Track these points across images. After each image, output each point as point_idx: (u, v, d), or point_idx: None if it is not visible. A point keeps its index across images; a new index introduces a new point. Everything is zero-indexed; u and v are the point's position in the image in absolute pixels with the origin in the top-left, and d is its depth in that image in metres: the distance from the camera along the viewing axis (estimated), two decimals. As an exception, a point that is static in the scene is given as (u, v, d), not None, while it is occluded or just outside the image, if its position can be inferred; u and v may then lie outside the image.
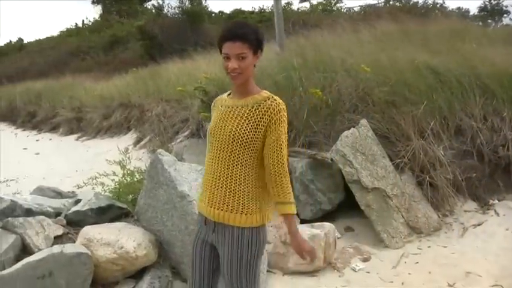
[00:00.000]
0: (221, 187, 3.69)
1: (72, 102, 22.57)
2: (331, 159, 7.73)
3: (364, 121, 8.11)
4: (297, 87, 9.11)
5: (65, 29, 55.43)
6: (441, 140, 8.44)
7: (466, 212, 8.04)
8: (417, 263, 6.83)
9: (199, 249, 3.90)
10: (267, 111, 3.58)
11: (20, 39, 62.72)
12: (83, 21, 53.31)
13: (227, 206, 3.67)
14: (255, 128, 3.59)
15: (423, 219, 7.69)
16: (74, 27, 53.97)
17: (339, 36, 13.91)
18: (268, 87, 9.05)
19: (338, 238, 7.25)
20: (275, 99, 3.63)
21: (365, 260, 6.92)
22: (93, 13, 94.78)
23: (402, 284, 6.29)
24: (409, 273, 6.54)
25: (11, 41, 62.82)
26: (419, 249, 7.23)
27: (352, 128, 7.92)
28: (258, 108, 3.60)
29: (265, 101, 3.61)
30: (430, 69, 9.47)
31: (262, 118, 3.58)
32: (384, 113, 8.64)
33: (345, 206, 8.08)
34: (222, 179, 3.68)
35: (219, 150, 3.68)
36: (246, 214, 3.66)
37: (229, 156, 3.64)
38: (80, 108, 21.57)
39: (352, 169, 7.53)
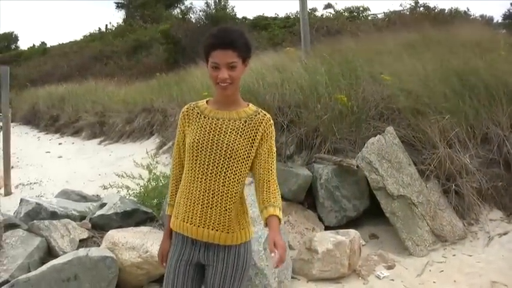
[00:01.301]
0: (216, 206, 3.45)
1: (95, 106, 22.62)
2: (357, 166, 7.70)
3: (390, 128, 8.08)
4: (323, 93, 9.09)
5: (88, 34, 55.70)
6: (467, 148, 8.37)
7: (491, 221, 7.95)
8: (442, 271, 6.78)
9: (182, 269, 3.58)
10: (260, 125, 3.49)
11: (43, 43, 63.23)
12: (106, 25, 53.56)
13: (223, 226, 3.46)
14: (251, 143, 3.47)
15: (448, 227, 7.63)
16: (97, 31, 54.22)
17: (364, 42, 13.86)
18: (294, 94, 9.16)
19: (362, 245, 7.21)
20: (265, 114, 3.56)
21: (389, 267, 6.87)
22: (117, 18, 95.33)
23: (427, 292, 6.24)
24: (434, 282, 6.49)
25: (34, 45, 63.27)
26: (444, 257, 7.18)
27: (378, 135, 7.89)
28: (251, 122, 3.49)
29: (256, 115, 3.52)
30: (456, 77, 9.41)
31: (257, 132, 3.48)
32: (410, 120, 8.60)
33: (369, 213, 8.04)
34: (216, 197, 3.44)
35: (213, 167, 3.45)
36: (241, 230, 3.54)
37: (225, 172, 3.43)
38: (102, 113, 21.61)
39: (377, 176, 7.50)
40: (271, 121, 3.54)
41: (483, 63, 9.94)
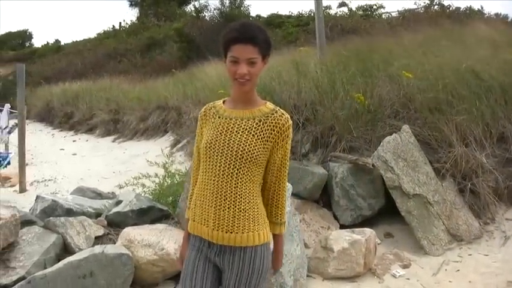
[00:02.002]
0: (228, 208, 3.36)
1: (109, 104, 22.69)
2: (372, 165, 7.69)
3: (406, 127, 8.05)
4: (339, 91, 9.07)
5: (102, 31, 55.71)
6: (483, 147, 8.34)
7: (507, 220, 7.91)
8: (458, 270, 6.76)
9: (202, 265, 3.49)
10: (276, 126, 3.36)
11: (57, 41, 63.36)
12: (120, 23, 53.51)
13: (237, 227, 3.36)
14: (264, 144, 3.35)
15: (464, 226, 7.60)
16: (111, 29, 54.22)
17: (379, 41, 13.81)
18: (309, 92, 9.14)
19: (378, 244, 7.19)
20: (283, 113, 3.42)
21: (405, 266, 6.86)
22: (130, 16, 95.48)
23: (443, 291, 6.22)
24: (450, 281, 6.47)
25: (48, 43, 63.46)
26: (460, 257, 7.15)
27: (394, 134, 7.87)
28: (266, 122, 3.37)
29: (273, 114, 3.39)
30: (473, 75, 9.37)
31: (272, 133, 3.36)
32: (426, 119, 8.57)
33: (385, 212, 8.03)
34: (229, 199, 3.36)
35: (225, 167, 3.35)
36: (257, 231, 3.40)
37: (236, 173, 3.33)
38: (116, 110, 21.68)
39: (393, 175, 7.48)
40: (290, 122, 3.41)
41: (499, 61, 9.90)
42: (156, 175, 8.05)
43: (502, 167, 8.35)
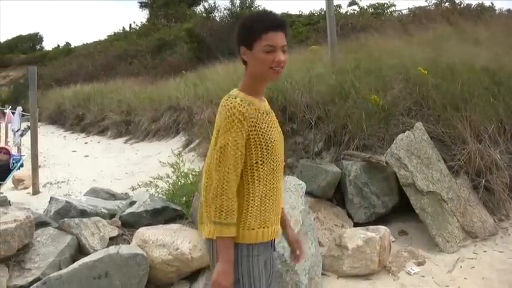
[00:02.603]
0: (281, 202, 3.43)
1: (121, 105, 22.71)
2: (386, 162, 7.67)
3: (419, 124, 8.03)
4: (351, 90, 9.05)
5: (113, 33, 55.91)
6: (498, 143, 8.32)
7: (522, 217, 7.89)
8: (473, 267, 6.73)
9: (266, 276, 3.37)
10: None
11: (68, 44, 63.57)
12: (130, 25, 53.69)
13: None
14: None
15: (479, 223, 7.58)
16: (121, 31, 54.40)
17: (390, 39, 13.79)
18: (322, 91, 9.13)
19: (392, 242, 7.17)
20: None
21: (420, 264, 6.84)
22: (140, 17, 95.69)
23: (458, 288, 6.19)
24: (465, 278, 6.44)
25: (58, 46, 63.68)
26: (475, 253, 7.12)
27: (407, 131, 7.86)
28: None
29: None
30: (486, 72, 9.34)
31: None
32: (439, 116, 8.55)
33: (398, 209, 8.01)
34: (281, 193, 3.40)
35: (282, 164, 3.37)
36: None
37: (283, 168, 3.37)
38: (128, 111, 21.70)
39: (407, 172, 7.46)
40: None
41: (512, 58, 9.88)
42: (168, 176, 8.05)
43: (516, 164, 8.33)
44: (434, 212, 7.39)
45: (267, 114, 3.30)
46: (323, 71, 10.09)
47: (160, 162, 8.83)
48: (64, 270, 5.60)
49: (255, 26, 3.16)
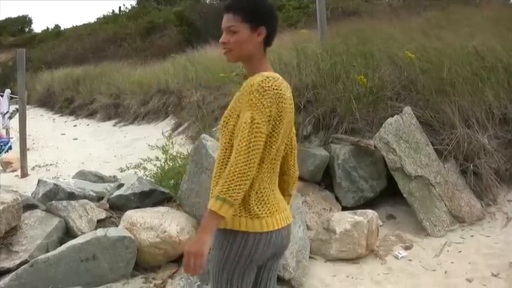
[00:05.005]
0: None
1: (110, 88, 22.67)
2: (374, 147, 7.67)
3: (408, 108, 8.04)
4: (340, 74, 9.04)
5: (102, 16, 55.76)
6: (486, 128, 8.32)
7: (509, 202, 7.90)
8: (460, 252, 6.75)
9: None
10: (242, 95, 3.06)
11: (57, 26, 63.22)
12: (120, 8, 53.84)
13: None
14: (230, 115, 3.13)
15: (466, 208, 7.60)
16: (111, 14, 54.26)
17: (379, 23, 13.78)
18: (312, 74, 9.12)
19: (380, 226, 7.19)
20: (255, 79, 3.03)
21: (407, 248, 6.86)
22: (130, 0, 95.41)
23: (445, 272, 6.22)
24: (452, 262, 6.46)
25: (48, 28, 63.33)
26: (462, 238, 7.15)
27: (395, 116, 7.86)
28: (239, 92, 3.13)
29: (248, 82, 3.08)
30: (475, 57, 9.35)
31: (239, 103, 3.09)
32: (428, 100, 8.55)
33: (386, 193, 8.03)
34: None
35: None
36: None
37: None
38: (117, 95, 21.68)
39: (395, 156, 7.48)
40: (251, 88, 3.00)
41: (502, 43, 9.87)
42: (158, 158, 8.05)
43: (504, 149, 8.34)
44: (422, 197, 7.42)
45: None
46: (312, 54, 10.06)
47: (149, 145, 8.81)
48: (51, 253, 5.63)
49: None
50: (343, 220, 6.60)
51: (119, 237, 5.81)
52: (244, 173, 2.90)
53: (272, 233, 3.15)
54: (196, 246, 2.90)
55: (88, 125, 21.17)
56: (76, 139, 17.79)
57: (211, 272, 3.24)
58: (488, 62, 9.21)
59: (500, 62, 9.17)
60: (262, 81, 3.01)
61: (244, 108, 2.99)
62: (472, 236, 7.21)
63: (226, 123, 3.12)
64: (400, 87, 8.91)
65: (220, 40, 3.15)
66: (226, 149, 3.08)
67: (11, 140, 12.30)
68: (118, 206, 6.91)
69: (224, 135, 3.11)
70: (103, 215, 6.63)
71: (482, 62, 9.24)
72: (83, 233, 6.13)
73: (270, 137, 3.05)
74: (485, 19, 12.42)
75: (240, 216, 3.10)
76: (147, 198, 6.97)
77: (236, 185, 2.88)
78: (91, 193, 7.15)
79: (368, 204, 7.80)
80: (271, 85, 3.02)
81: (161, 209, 6.58)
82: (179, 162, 7.80)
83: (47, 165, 13.17)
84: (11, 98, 15.93)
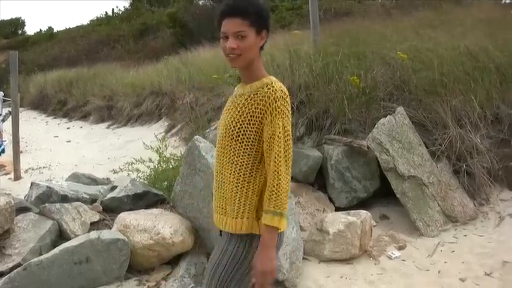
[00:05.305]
0: (217, 188, 3.33)
1: (103, 90, 22.67)
2: (367, 147, 7.68)
3: (400, 109, 8.05)
4: (333, 74, 9.05)
5: (95, 18, 55.81)
6: (478, 128, 8.35)
7: (502, 201, 7.92)
8: (453, 251, 6.76)
9: None
10: (262, 100, 3.11)
11: (50, 28, 63.16)
12: (113, 10, 53.72)
13: (221, 208, 3.30)
14: (248, 120, 3.15)
15: (459, 207, 7.61)
16: (104, 16, 54.31)
17: (372, 23, 13.80)
18: (304, 75, 9.12)
19: (373, 226, 7.20)
20: (273, 86, 3.14)
21: (400, 248, 6.87)
22: (123, 2, 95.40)
23: (438, 272, 6.23)
24: (445, 262, 6.47)
25: (41, 30, 63.30)
26: (455, 237, 7.16)
27: (388, 116, 7.87)
28: (253, 97, 3.16)
29: (263, 88, 3.15)
30: (468, 57, 9.37)
31: (257, 108, 3.13)
32: (421, 101, 8.58)
33: (380, 194, 8.04)
34: (217, 179, 3.33)
35: (217, 147, 3.33)
36: (233, 218, 3.23)
37: (222, 153, 3.27)
38: (110, 97, 21.69)
39: (388, 157, 7.49)
40: (277, 94, 3.11)
41: (494, 43, 9.90)
42: (151, 160, 8.05)
43: (496, 148, 8.37)
44: (415, 197, 7.43)
45: (233, 96, 3.37)
46: (305, 55, 10.07)
47: (144, 144, 8.81)
48: (45, 256, 5.61)
49: (218, 14, 3.22)
50: (336, 221, 6.61)
51: (112, 240, 5.80)
52: (287, 182, 3.09)
53: (283, 233, 3.34)
54: (269, 264, 3.09)
55: (81, 127, 21.17)
56: (69, 141, 17.78)
57: (216, 276, 3.27)
58: (480, 62, 9.24)
59: (492, 61, 9.21)
60: (281, 86, 3.16)
61: (269, 116, 3.10)
62: (465, 235, 7.21)
63: (241, 128, 3.18)
64: (393, 87, 8.93)
65: (228, 45, 3.12)
66: (248, 155, 3.21)
67: (4, 143, 12.24)
68: (111, 208, 6.90)
69: (241, 140, 3.19)
70: (96, 217, 6.62)
71: (475, 62, 9.27)
72: (76, 235, 6.12)
73: None
74: (477, 19, 12.45)
75: (254, 218, 3.23)
76: (141, 200, 6.96)
77: (285, 196, 3.09)
78: (84, 195, 7.13)
79: (361, 204, 7.81)
80: (286, 90, 3.18)
81: (154, 211, 6.58)
82: (172, 163, 7.81)
83: (40, 167, 13.16)
84: (4, 100, 15.84)
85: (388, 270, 6.35)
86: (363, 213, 6.87)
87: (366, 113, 8.59)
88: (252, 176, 3.23)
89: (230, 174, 3.23)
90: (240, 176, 3.22)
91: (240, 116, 3.17)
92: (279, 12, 29.14)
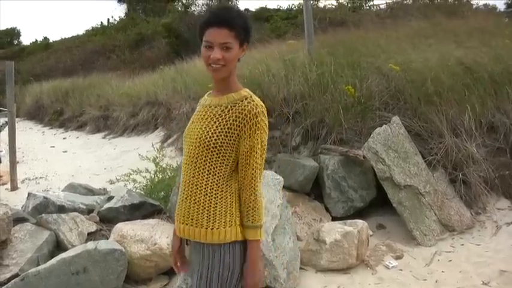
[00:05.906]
0: (186, 198, 3.22)
1: (99, 100, 22.65)
2: (363, 156, 7.69)
3: (396, 118, 8.07)
4: (328, 84, 9.07)
5: (91, 28, 55.76)
6: (474, 137, 8.37)
7: (499, 210, 7.95)
8: (450, 261, 6.78)
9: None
10: (241, 113, 3.09)
11: (46, 38, 63.11)
12: (108, 20, 53.66)
13: (191, 219, 3.18)
14: (225, 132, 3.10)
15: (456, 216, 7.63)
16: (99, 26, 54.27)
17: (367, 33, 13.83)
18: (300, 85, 9.15)
19: (370, 236, 7.19)
20: (253, 100, 3.13)
21: (398, 257, 6.87)
22: (119, 12, 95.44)
23: (436, 281, 6.24)
24: (443, 271, 6.48)
25: (36, 40, 63.20)
26: (452, 247, 7.18)
27: (384, 125, 7.89)
28: (232, 109, 3.12)
29: (242, 101, 3.13)
30: (462, 66, 9.40)
31: (235, 121, 3.09)
32: (416, 110, 8.60)
33: (376, 203, 8.05)
34: (187, 189, 3.22)
35: (187, 156, 3.23)
36: (212, 229, 3.14)
37: (195, 162, 3.17)
38: (106, 107, 21.65)
39: (384, 166, 7.50)
40: (258, 109, 3.11)
41: (488, 52, 9.93)
42: (147, 170, 8.06)
43: (492, 157, 8.40)
44: (412, 206, 7.44)
45: (203, 106, 3.33)
46: (300, 65, 10.09)
47: (139, 155, 8.82)
48: (42, 266, 5.60)
49: (201, 21, 3.16)
50: (333, 230, 6.61)
51: (109, 250, 5.79)
52: (263, 196, 3.17)
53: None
54: (258, 275, 3.21)
55: (77, 137, 21.11)
56: (66, 151, 17.73)
57: None
58: (474, 72, 9.27)
59: (486, 71, 9.24)
60: (260, 101, 3.16)
61: (249, 130, 3.10)
62: (462, 244, 7.23)
63: (218, 138, 3.13)
64: (388, 97, 8.96)
65: (213, 55, 3.06)
66: (226, 165, 3.18)
67: (1, 153, 12.25)
68: (108, 219, 6.91)
69: (218, 151, 3.15)
70: (93, 227, 6.62)
71: (469, 71, 9.30)
72: (73, 246, 6.11)
73: None
74: (472, 28, 12.48)
75: (236, 225, 3.21)
76: (137, 210, 6.97)
77: (261, 208, 3.21)
78: (81, 206, 7.14)
79: (358, 214, 7.83)
80: (264, 106, 3.18)
81: (151, 221, 6.59)
82: (169, 174, 7.81)
83: (36, 178, 13.11)
84: (0, 110, 15.89)
85: (385, 279, 6.35)
86: (360, 222, 6.87)
87: (361, 123, 8.62)
88: (228, 185, 3.20)
89: (206, 184, 3.16)
90: (219, 185, 3.18)
91: (217, 126, 3.13)
92: (274, 21, 29.26)
